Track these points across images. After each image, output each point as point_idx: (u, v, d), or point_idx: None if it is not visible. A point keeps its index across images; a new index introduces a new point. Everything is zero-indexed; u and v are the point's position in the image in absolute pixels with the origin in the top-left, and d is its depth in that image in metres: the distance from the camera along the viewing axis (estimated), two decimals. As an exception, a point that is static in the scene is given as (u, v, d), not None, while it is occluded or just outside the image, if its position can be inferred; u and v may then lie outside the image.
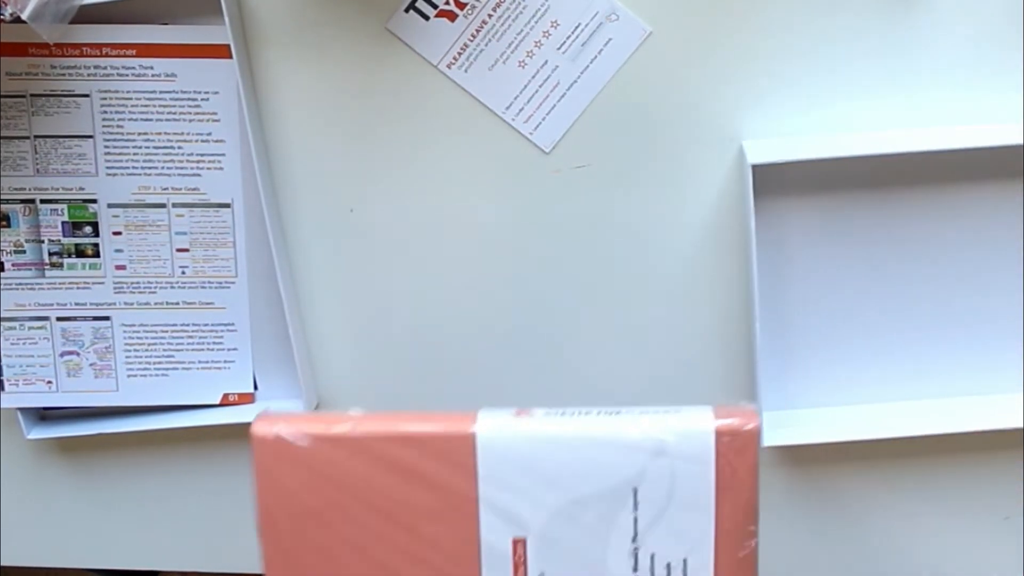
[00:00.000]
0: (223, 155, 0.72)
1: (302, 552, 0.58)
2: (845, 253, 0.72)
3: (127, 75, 0.71)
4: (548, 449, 0.56)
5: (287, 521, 0.57)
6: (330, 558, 0.57)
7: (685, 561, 0.57)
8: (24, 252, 0.74)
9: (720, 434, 0.55)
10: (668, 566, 0.57)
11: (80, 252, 0.74)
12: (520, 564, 0.57)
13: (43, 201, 0.74)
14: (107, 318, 0.75)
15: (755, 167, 0.67)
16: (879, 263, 0.72)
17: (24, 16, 0.64)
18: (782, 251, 0.72)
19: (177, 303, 0.75)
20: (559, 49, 0.70)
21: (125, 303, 0.75)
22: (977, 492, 0.76)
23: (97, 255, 0.74)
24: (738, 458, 0.55)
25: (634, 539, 0.57)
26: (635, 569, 0.57)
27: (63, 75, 0.71)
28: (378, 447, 0.56)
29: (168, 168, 0.72)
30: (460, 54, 0.70)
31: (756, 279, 0.69)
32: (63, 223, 0.74)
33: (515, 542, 0.57)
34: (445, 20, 0.70)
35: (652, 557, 0.57)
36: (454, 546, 0.57)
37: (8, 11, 0.64)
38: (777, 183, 0.70)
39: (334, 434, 0.56)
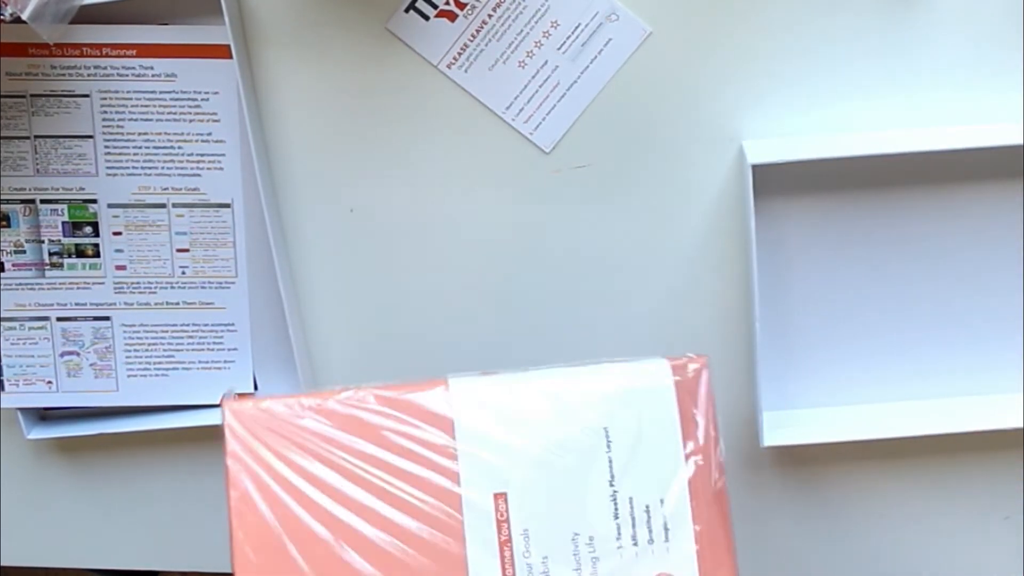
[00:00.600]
0: (223, 155, 0.72)
1: (276, 529, 0.57)
2: (845, 253, 0.72)
3: (127, 75, 0.71)
4: (521, 396, 0.57)
5: (262, 497, 0.56)
6: (306, 533, 0.57)
7: (662, 501, 0.57)
8: (24, 252, 0.74)
9: (676, 369, 0.58)
10: (647, 508, 0.57)
11: (80, 252, 0.74)
12: (503, 521, 0.57)
13: (43, 201, 0.74)
14: (107, 318, 0.75)
15: (755, 167, 0.67)
16: (879, 263, 0.72)
17: (24, 16, 0.64)
18: (782, 251, 0.72)
19: (177, 303, 0.75)
20: (559, 49, 0.70)
21: (125, 303, 0.75)
22: (977, 492, 0.76)
23: (97, 255, 0.74)
24: (695, 396, 0.58)
25: (611, 482, 0.57)
26: (616, 515, 0.57)
27: (63, 75, 0.71)
28: (354, 412, 0.57)
29: (168, 168, 0.72)
30: (460, 54, 0.70)
31: (756, 279, 0.69)
32: (63, 223, 0.74)
33: (496, 497, 0.57)
34: (445, 20, 0.70)
35: (630, 501, 0.57)
36: (435, 508, 0.57)
37: (8, 11, 0.64)
38: (777, 183, 0.70)
39: (308, 403, 0.57)
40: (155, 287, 0.75)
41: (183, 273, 0.74)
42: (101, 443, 0.79)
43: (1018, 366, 0.73)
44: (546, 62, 0.70)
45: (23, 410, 0.77)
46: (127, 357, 0.76)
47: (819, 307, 0.73)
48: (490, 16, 0.69)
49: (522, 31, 0.70)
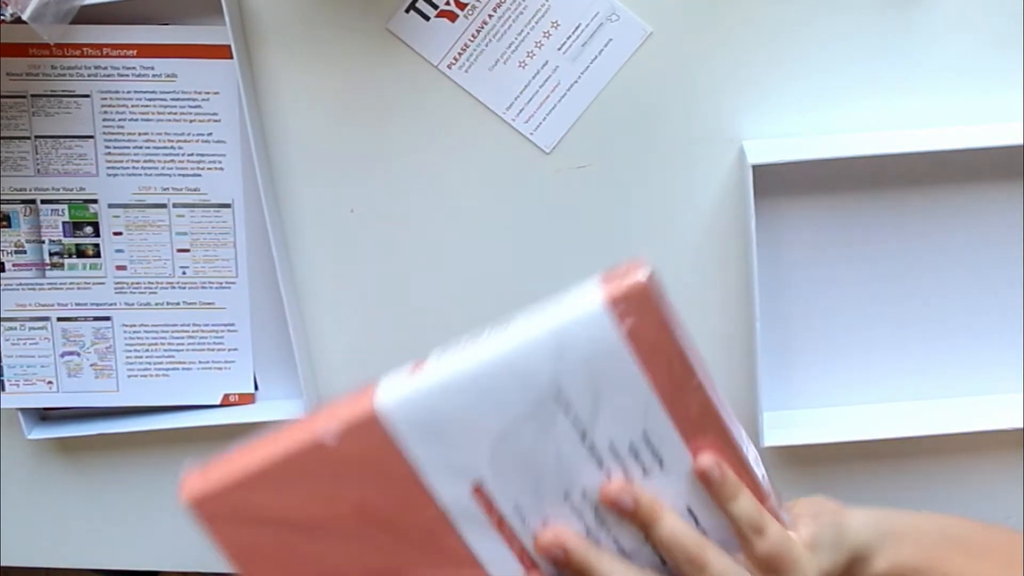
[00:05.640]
0: (223, 155, 0.72)
1: None
2: (845, 253, 0.72)
3: (127, 75, 0.71)
4: (450, 394, 0.52)
5: (266, 565, 0.53)
6: None
7: (645, 434, 0.53)
8: (25, 252, 0.74)
9: (613, 303, 0.50)
10: (632, 447, 0.53)
11: (81, 252, 0.74)
12: (491, 506, 0.54)
13: (44, 201, 0.74)
14: (108, 318, 0.75)
15: (755, 167, 0.67)
16: (879, 263, 0.72)
17: (25, 16, 0.64)
18: (782, 251, 0.72)
19: (178, 303, 0.75)
20: (559, 49, 0.70)
21: (126, 303, 0.75)
22: (977, 492, 0.76)
23: (98, 255, 0.74)
24: (642, 316, 0.50)
25: (583, 438, 0.53)
26: (601, 464, 0.54)
27: (64, 75, 0.71)
28: (293, 470, 0.52)
29: (168, 168, 0.72)
30: (461, 54, 0.70)
31: (756, 279, 0.69)
32: (64, 223, 0.74)
33: (475, 490, 0.53)
34: (445, 20, 0.70)
35: (612, 446, 0.53)
36: (419, 526, 0.53)
37: (9, 11, 0.64)
38: (777, 183, 0.70)
39: (247, 476, 0.52)
40: (155, 287, 0.75)
41: (183, 273, 0.74)
42: (101, 443, 0.79)
43: (1018, 366, 0.73)
44: (546, 62, 0.70)
45: (23, 410, 0.77)
46: (128, 357, 0.76)
47: (819, 307, 0.73)
48: (490, 16, 0.69)
49: (522, 31, 0.70)
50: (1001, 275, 0.72)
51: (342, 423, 0.51)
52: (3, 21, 0.64)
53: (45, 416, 0.79)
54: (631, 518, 0.54)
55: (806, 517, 0.58)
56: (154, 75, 0.71)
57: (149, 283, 0.75)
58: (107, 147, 0.72)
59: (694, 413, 0.53)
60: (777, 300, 0.73)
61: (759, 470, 0.55)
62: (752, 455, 0.55)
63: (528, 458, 0.53)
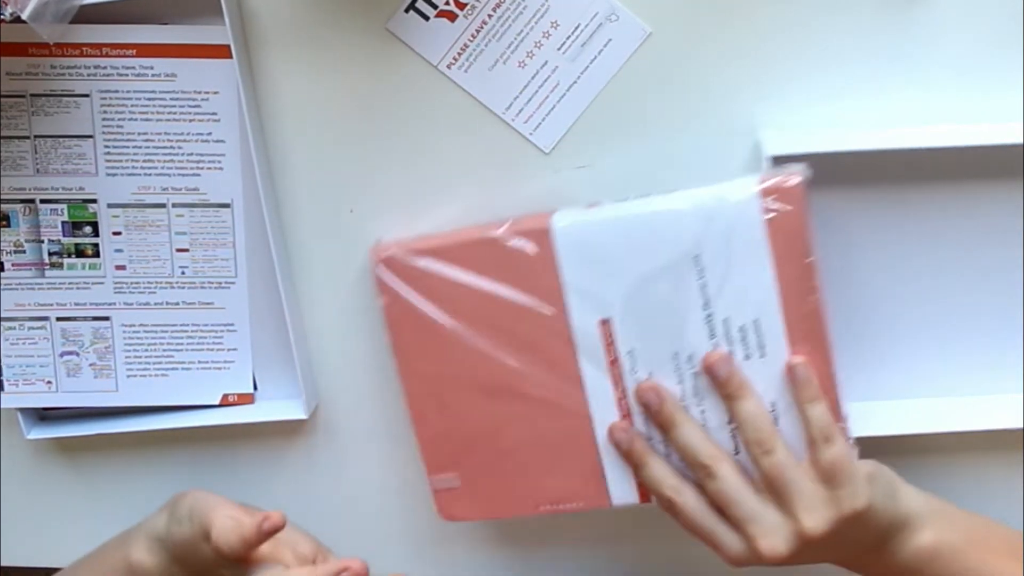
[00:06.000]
0: (223, 155, 0.72)
1: (425, 363, 0.66)
2: (845, 253, 0.72)
3: (127, 75, 0.71)
4: (613, 231, 0.61)
5: (410, 333, 0.66)
6: (448, 361, 0.65)
7: (756, 322, 0.60)
8: (24, 252, 0.74)
9: (766, 193, 0.59)
10: (742, 329, 0.60)
11: (80, 252, 0.74)
12: (610, 343, 0.62)
13: (43, 201, 0.74)
14: (107, 318, 0.75)
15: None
16: (878, 262, 0.72)
17: (24, 16, 0.64)
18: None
19: (177, 303, 0.75)
20: (559, 49, 0.70)
21: (125, 303, 0.75)
22: (977, 492, 0.76)
23: (97, 255, 0.74)
24: (786, 212, 0.59)
25: (705, 306, 0.60)
26: (712, 336, 0.60)
27: (63, 75, 0.71)
28: (469, 253, 0.64)
29: (168, 168, 0.72)
30: (460, 54, 0.70)
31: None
32: (63, 223, 0.74)
33: (602, 323, 0.62)
34: (445, 20, 0.70)
35: (726, 323, 0.60)
36: (549, 336, 0.63)
37: (8, 11, 0.64)
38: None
39: (432, 247, 0.65)
40: (155, 287, 0.75)
41: (183, 273, 0.74)
42: (101, 443, 0.79)
43: (1018, 366, 0.73)
44: (546, 62, 0.70)
45: (23, 410, 0.77)
46: (127, 357, 0.76)
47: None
48: (490, 16, 0.69)
49: (522, 31, 0.70)
50: (1001, 275, 0.71)
51: (520, 229, 0.63)
52: (3, 21, 0.64)
53: (44, 416, 0.79)
54: (721, 388, 0.61)
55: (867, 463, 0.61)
56: (153, 75, 0.71)
57: (148, 283, 0.75)
58: (106, 147, 0.72)
59: (805, 319, 0.60)
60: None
61: (844, 402, 0.63)
62: (843, 393, 0.63)
63: (655, 309, 0.61)
